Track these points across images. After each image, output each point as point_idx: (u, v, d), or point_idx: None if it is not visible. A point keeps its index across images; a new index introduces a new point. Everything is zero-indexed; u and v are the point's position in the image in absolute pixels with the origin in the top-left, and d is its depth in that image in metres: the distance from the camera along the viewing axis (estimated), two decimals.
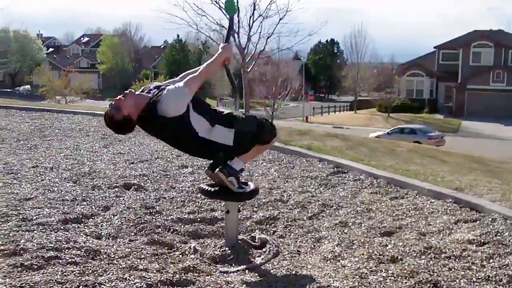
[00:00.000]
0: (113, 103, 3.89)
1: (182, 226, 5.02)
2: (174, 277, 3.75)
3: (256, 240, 4.68)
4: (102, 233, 4.66)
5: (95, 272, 3.71)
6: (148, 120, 3.94)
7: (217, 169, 4.17)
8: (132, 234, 4.75)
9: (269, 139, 4.41)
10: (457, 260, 4.07)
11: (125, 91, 3.97)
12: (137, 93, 4.00)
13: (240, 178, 4.33)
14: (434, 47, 56.56)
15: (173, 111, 3.85)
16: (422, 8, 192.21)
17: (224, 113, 4.21)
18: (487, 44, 51.47)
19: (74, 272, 3.66)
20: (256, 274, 3.97)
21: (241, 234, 4.75)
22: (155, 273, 3.79)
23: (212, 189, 4.40)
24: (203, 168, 7.16)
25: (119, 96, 3.92)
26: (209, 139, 4.05)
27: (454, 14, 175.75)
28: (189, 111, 3.94)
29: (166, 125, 3.93)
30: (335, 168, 7.32)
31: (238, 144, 4.16)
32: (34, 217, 4.83)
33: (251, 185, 4.52)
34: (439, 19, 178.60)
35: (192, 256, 4.34)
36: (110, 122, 3.94)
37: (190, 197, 5.90)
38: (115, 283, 3.51)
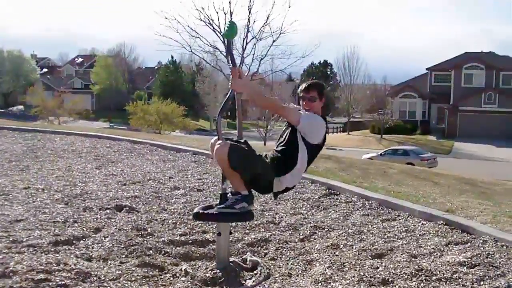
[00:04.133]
0: None
1: (174, 248, 5.00)
2: None
3: (248, 262, 4.67)
4: (93, 255, 4.64)
5: None
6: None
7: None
8: (123, 256, 4.72)
9: None
10: (448, 282, 4.08)
11: None
12: None
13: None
14: (426, 69, 57.06)
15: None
16: (415, 30, 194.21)
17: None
18: (478, 66, 52.04)
19: None
20: None
21: (232, 256, 4.75)
22: None
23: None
24: (195, 190, 7.18)
25: None
26: None
27: (446, 36, 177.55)
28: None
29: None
30: (327, 190, 7.34)
31: None
32: (25, 239, 4.80)
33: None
34: (431, 40, 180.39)
35: (183, 278, 4.33)
36: None
37: (182, 219, 5.89)
38: None
